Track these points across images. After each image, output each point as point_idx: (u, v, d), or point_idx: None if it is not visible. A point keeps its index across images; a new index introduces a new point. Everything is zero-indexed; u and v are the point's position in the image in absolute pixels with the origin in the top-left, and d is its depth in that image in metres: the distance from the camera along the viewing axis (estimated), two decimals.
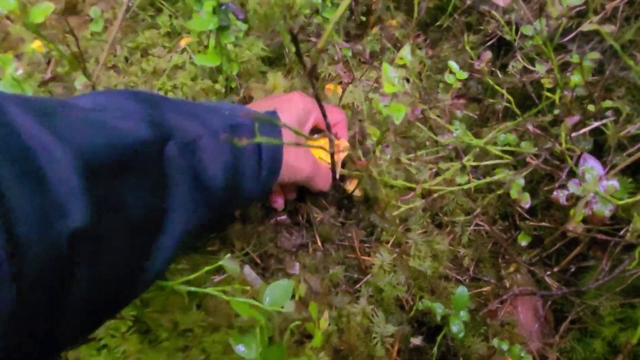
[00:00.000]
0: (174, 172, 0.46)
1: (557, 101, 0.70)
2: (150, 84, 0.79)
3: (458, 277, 0.93)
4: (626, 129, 0.70)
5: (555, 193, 0.65)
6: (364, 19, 1.23)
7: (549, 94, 0.72)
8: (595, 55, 0.68)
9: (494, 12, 0.90)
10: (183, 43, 0.83)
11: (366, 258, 0.85)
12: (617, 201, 0.61)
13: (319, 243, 0.86)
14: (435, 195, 0.94)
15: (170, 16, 0.87)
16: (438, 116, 1.05)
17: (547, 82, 0.71)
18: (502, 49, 1.10)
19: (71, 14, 0.91)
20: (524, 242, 0.87)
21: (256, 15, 0.93)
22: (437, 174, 0.96)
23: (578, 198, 0.63)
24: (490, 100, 0.96)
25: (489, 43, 1.11)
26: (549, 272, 0.83)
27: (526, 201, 0.77)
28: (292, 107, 0.71)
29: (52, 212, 0.32)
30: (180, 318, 0.65)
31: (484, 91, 1.12)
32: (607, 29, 0.53)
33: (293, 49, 0.98)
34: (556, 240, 0.86)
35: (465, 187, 0.81)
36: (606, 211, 0.62)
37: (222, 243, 0.77)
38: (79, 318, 0.38)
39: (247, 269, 0.76)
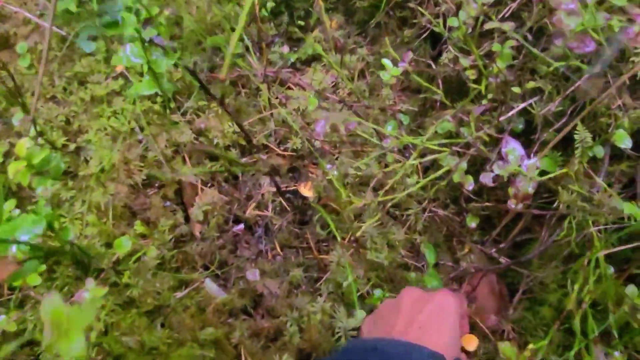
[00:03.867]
0: None
1: (482, 90, 0.75)
2: (90, 112, 0.79)
3: (416, 264, 0.97)
4: (547, 107, 0.75)
5: (482, 176, 0.69)
6: (302, 23, 1.25)
7: (474, 85, 0.76)
8: (512, 42, 0.73)
9: (418, 8, 0.94)
10: (120, 68, 0.84)
11: (324, 257, 0.88)
12: (538, 178, 0.66)
13: (278, 249, 0.88)
14: (387, 187, 0.97)
15: (105, 42, 0.88)
16: (381, 109, 1.09)
17: (471, 74, 0.75)
18: (438, 40, 1.14)
19: (3, 48, 0.91)
20: (472, 223, 0.92)
21: (192, 33, 0.94)
22: (386, 166, 1.00)
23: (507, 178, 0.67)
24: (427, 93, 1.01)
25: (424, 36, 1.15)
26: (495, 249, 0.88)
27: (469, 183, 0.81)
28: (449, 319, 0.62)
29: None
30: (146, 337, 0.66)
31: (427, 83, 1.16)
32: (507, 26, 0.57)
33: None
34: (502, 218, 0.91)
35: (416, 187, 0.85)
36: (529, 188, 0.66)
37: (184, 260, 0.79)
38: None
39: (208, 281, 0.78)
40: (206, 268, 0.79)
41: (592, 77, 0.67)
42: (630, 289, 0.64)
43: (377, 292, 0.86)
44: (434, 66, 1.03)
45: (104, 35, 0.74)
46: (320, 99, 1.06)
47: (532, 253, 0.79)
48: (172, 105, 0.80)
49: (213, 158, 0.90)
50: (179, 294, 0.73)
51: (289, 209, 0.94)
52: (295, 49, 1.24)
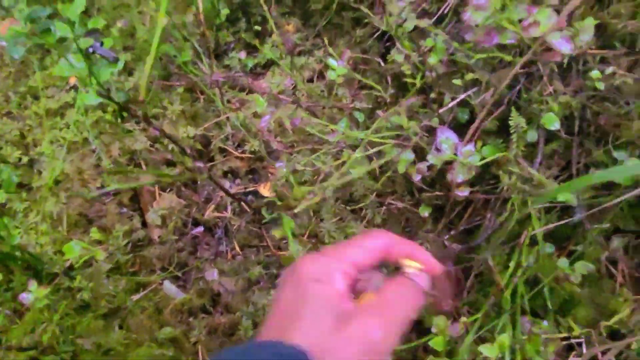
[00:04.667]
0: None
1: (417, 84, 0.78)
2: (44, 125, 0.81)
3: None
4: (481, 96, 0.79)
5: (417, 166, 0.73)
6: (259, 28, 1.28)
7: (410, 80, 0.80)
8: (444, 37, 0.76)
9: (361, 8, 0.97)
10: (73, 80, 0.86)
11: (282, 253, 0.91)
12: (474, 163, 0.69)
13: (237, 249, 0.90)
14: (342, 181, 1.00)
15: (58, 56, 0.89)
16: (338, 108, 1.12)
17: (406, 69, 0.79)
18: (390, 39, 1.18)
19: None
20: (425, 212, 0.95)
21: (145, 43, 0.96)
22: (344, 164, 1.03)
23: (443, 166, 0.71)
24: (377, 89, 1.04)
25: (376, 35, 1.18)
26: (447, 236, 0.91)
27: (416, 174, 0.84)
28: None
29: None
30: (102, 339, 0.68)
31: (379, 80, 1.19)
32: (424, 22, 0.61)
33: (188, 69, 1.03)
34: (453, 205, 0.94)
35: (362, 173, 0.88)
36: (465, 175, 0.70)
37: (141, 264, 0.81)
38: None
39: (167, 283, 0.80)
40: (165, 270, 0.82)
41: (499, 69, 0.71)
42: (562, 261, 0.67)
43: None
44: (382, 64, 1.07)
45: (38, 44, 0.76)
46: (275, 102, 1.09)
47: (480, 238, 0.82)
48: (125, 114, 0.82)
49: (171, 164, 0.92)
50: (136, 297, 0.75)
51: (248, 209, 0.96)
52: (256, 54, 1.26)
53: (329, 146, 1.04)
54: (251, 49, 1.29)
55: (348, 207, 1.03)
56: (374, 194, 1.03)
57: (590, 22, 0.69)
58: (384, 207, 1.05)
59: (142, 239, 0.82)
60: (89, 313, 0.67)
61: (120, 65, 0.68)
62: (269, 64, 1.26)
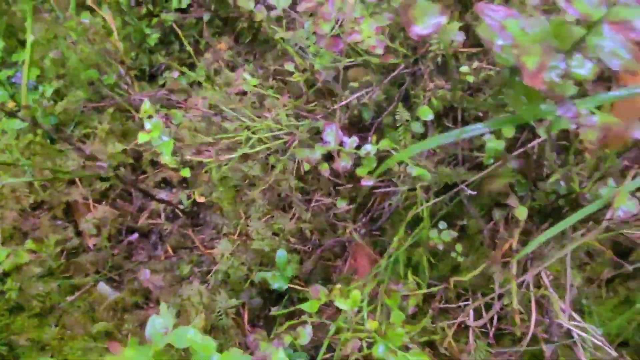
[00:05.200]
0: None
1: (305, 88, 0.88)
2: None
3: (304, 247, 1.09)
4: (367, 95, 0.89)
5: (307, 156, 0.83)
6: (190, 49, 1.37)
7: (306, 88, 0.90)
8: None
9: (271, 27, 1.07)
10: (11, 104, 0.95)
11: (212, 251, 0.99)
12: (355, 151, 0.79)
13: (170, 251, 0.99)
14: (271, 182, 1.10)
15: None
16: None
17: (295, 77, 0.89)
18: None
19: None
20: (342, 204, 1.05)
21: (76, 70, 1.05)
22: (273, 167, 1.12)
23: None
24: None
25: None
26: (359, 224, 1.01)
27: (325, 170, 0.94)
28: None
29: None
30: (37, 336, 0.76)
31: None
32: (288, 34, 0.71)
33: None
34: (367, 196, 1.05)
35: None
36: (347, 165, 0.80)
37: (75, 269, 0.89)
38: None
39: (101, 284, 0.88)
40: (99, 274, 0.90)
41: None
42: (433, 232, 0.78)
43: (264, 273, 0.98)
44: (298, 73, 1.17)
45: None
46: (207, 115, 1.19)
47: (381, 221, 0.92)
48: (55, 136, 0.91)
49: (104, 179, 1.01)
50: (71, 298, 0.83)
51: (181, 215, 1.05)
52: (191, 72, 1.36)
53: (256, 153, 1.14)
54: (187, 67, 1.38)
55: (279, 205, 1.13)
56: (307, 192, 1.12)
57: (454, 25, 0.80)
58: (313, 204, 1.15)
59: (76, 247, 0.90)
60: (23, 313, 0.75)
61: (49, 92, 0.76)
62: (202, 81, 1.35)
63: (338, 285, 0.75)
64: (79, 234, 0.93)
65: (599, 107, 0.50)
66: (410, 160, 0.76)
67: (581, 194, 0.66)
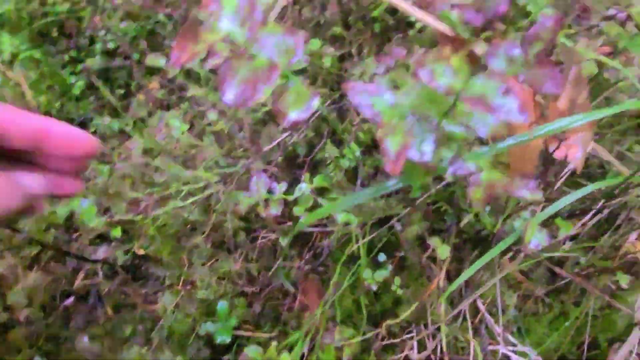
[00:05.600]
0: None
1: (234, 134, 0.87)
2: None
3: (252, 289, 1.08)
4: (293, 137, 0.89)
5: (239, 207, 0.82)
6: (123, 91, 1.34)
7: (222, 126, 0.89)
8: None
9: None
10: None
11: (155, 307, 0.97)
12: (284, 197, 0.79)
13: (110, 311, 0.95)
14: (212, 225, 1.08)
15: None
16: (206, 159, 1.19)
17: (220, 125, 0.88)
18: None
19: None
20: (285, 241, 1.04)
21: None
22: (213, 211, 1.10)
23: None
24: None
25: None
26: (302, 262, 1.00)
27: (262, 212, 0.93)
28: None
29: None
30: None
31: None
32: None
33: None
34: (309, 234, 1.04)
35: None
36: (277, 212, 0.79)
37: (6, 348, 0.85)
38: None
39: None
40: (33, 347, 0.86)
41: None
42: (366, 272, 0.77)
43: (208, 325, 0.96)
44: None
45: None
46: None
47: (321, 259, 0.92)
48: None
49: (33, 243, 0.96)
50: None
51: (120, 271, 1.01)
52: (122, 116, 1.32)
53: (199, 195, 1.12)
54: (119, 111, 1.35)
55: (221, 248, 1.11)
56: (253, 230, 1.11)
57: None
58: (258, 241, 1.13)
59: (5, 322, 0.86)
60: None
61: None
62: (131, 128, 1.32)
63: (273, 343, 0.74)
64: (7, 308, 0.88)
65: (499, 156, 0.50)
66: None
67: (499, 228, 0.68)
